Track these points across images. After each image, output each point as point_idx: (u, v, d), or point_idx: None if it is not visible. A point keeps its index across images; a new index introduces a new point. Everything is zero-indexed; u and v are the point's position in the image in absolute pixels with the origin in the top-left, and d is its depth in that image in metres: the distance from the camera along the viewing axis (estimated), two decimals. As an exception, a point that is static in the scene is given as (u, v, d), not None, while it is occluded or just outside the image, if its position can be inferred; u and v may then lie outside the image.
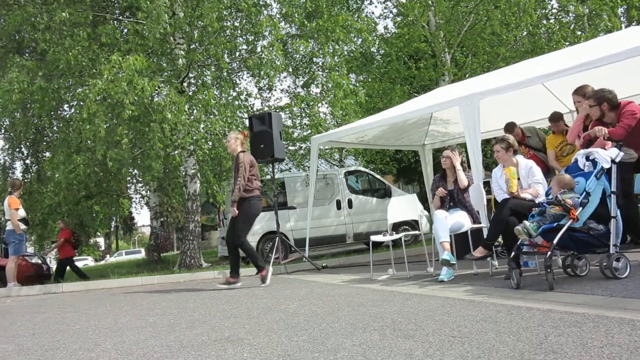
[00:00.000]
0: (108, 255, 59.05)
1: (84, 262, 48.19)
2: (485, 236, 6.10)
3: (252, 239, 12.06)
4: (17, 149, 16.17)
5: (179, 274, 10.40)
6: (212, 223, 30.53)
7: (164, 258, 20.53)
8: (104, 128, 10.19)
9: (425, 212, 12.67)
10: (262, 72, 11.43)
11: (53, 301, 7.94)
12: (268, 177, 12.50)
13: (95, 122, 9.99)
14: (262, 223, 12.26)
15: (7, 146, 16.19)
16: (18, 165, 16.28)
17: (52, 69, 11.49)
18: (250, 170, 7.25)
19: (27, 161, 16.43)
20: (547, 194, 5.14)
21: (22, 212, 9.99)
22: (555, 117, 7.79)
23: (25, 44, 13.56)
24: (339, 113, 12.21)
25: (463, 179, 6.55)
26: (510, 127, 8.13)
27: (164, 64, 12.23)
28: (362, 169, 14.84)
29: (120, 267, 18.76)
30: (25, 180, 15.65)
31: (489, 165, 17.24)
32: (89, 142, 11.36)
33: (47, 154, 15.54)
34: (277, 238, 9.48)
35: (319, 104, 12.90)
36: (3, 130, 16.10)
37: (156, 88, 10.96)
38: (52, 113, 13.29)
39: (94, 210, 16.54)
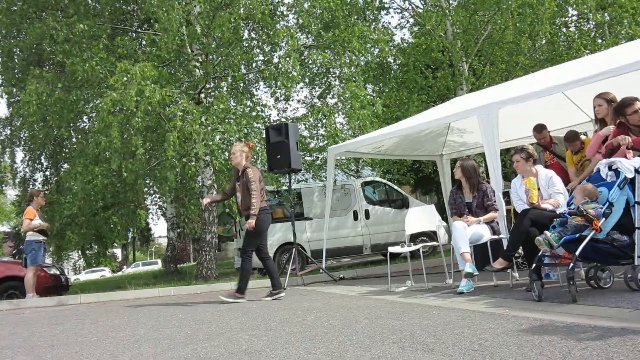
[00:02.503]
0: (125, 267, 59.44)
1: (101, 273, 48.65)
2: (505, 247, 6.04)
3: (269, 250, 12.06)
4: (37, 161, 16.37)
5: (195, 285, 10.45)
6: (228, 234, 30.58)
7: (181, 269, 20.56)
8: (119, 139, 10.26)
9: (444, 223, 12.60)
10: (278, 83, 11.48)
11: (71, 312, 7.94)
12: (285, 187, 12.52)
13: (110, 133, 10.08)
14: (279, 234, 12.26)
15: (27, 158, 16.41)
16: (38, 176, 16.43)
17: (70, 80, 11.63)
18: (260, 185, 7.26)
19: (47, 172, 16.61)
20: (568, 204, 5.07)
21: (36, 222, 10.01)
22: (571, 137, 7.56)
23: (45, 56, 13.74)
24: (356, 124, 12.21)
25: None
26: (539, 128, 8.00)
27: (181, 75, 12.33)
28: (379, 179, 14.82)
29: (137, 278, 18.85)
30: (46, 192, 15.81)
31: (508, 175, 17.12)
32: (106, 153, 11.47)
33: (66, 166, 15.71)
34: (294, 249, 9.50)
35: (336, 115, 12.95)
36: (23, 142, 16.33)
37: (171, 99, 11.04)
38: (71, 124, 13.44)
39: (111, 221, 16.65)
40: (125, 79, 9.87)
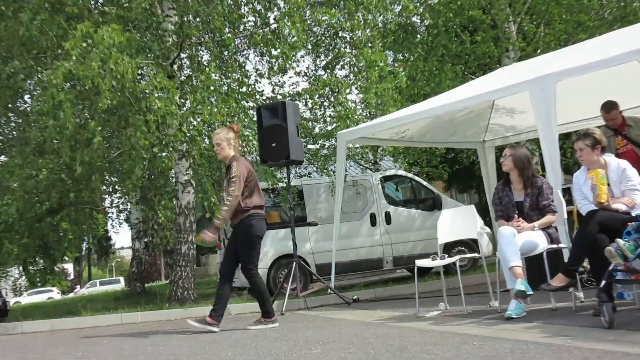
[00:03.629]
0: (78, 286, 59.57)
1: (49, 294, 48.76)
2: (566, 260, 6.03)
3: (262, 264, 12.05)
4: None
5: (168, 310, 10.45)
6: (209, 244, 30.61)
7: (150, 289, 20.54)
8: (73, 123, 10.24)
9: (487, 229, 12.57)
10: (275, 51, 11.44)
11: (10, 345, 7.94)
12: (282, 184, 12.52)
13: (60, 115, 10.04)
14: (275, 244, 12.26)
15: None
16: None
17: (5, 49, 11.61)
18: (247, 183, 7.23)
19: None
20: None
21: None
22: None
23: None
24: (374, 101, 12.16)
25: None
26: (608, 107, 7.97)
27: (150, 41, 12.31)
28: (404, 173, 14.80)
29: (94, 301, 18.82)
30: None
31: (569, 167, 17.07)
32: (53, 141, 11.45)
33: (2, 157, 15.74)
34: (294, 263, 9.47)
35: (347, 90, 12.84)
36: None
37: (142, 72, 11.01)
38: (9, 105, 13.45)
39: (60, 228, 16.66)
40: (84, 44, 9.82)
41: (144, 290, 19.03)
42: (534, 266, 6.63)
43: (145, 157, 10.67)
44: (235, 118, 11.45)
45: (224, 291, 7.44)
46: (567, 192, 7.65)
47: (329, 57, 14.14)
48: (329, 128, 13.23)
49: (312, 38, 13.90)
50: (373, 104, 12.39)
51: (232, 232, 7.58)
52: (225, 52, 12.46)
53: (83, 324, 9.87)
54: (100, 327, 9.50)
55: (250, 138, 11.44)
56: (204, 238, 7.25)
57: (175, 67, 12.01)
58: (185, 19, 12.04)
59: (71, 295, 49.04)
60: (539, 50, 15.30)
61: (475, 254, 9.26)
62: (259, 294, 7.43)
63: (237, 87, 12.13)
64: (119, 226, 35.61)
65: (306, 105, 13.33)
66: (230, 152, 7.37)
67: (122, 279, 52.48)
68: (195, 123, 11.24)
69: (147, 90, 10.43)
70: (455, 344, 4.71)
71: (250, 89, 12.70)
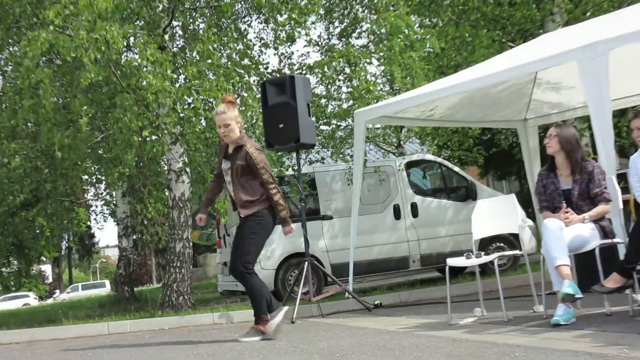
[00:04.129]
0: (58, 291, 59.98)
1: (24, 300, 49.09)
2: (622, 257, 6.04)
3: (269, 264, 12.14)
4: None
5: (161, 317, 10.43)
6: (208, 242, 30.61)
7: (140, 294, 20.65)
8: (52, 102, 10.23)
9: (529, 222, 12.52)
10: (280, 17, 11.40)
11: (-18, 358, 8.05)
12: (291, 172, 12.53)
13: (39, 93, 10.05)
14: (283, 241, 12.23)
15: None
16: None
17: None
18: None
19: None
20: None
21: None
22: None
23: None
24: (400, 74, 12.08)
25: None
26: None
27: (137, 7, 12.28)
28: (432, 157, 14.82)
29: (76, 307, 18.93)
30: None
31: (624, 149, 16.98)
32: (28, 124, 11.46)
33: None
34: (306, 263, 9.44)
35: (367, 61, 12.83)
36: None
37: (125, 42, 10.97)
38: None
39: (36, 224, 16.71)
40: (67, 12, 9.79)
41: (133, 295, 19.15)
42: (585, 264, 6.58)
43: (135, 142, 10.68)
44: (236, 95, 11.43)
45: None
46: (622, 178, 7.65)
47: (344, 24, 14.11)
48: (345, 106, 13.20)
49: (324, 1, 13.84)
50: (399, 78, 12.29)
51: (241, 225, 7.43)
52: (223, 20, 12.43)
53: (64, 334, 9.84)
54: (84, 338, 9.47)
55: (255, 119, 11.44)
56: (287, 229, 7.27)
57: (166, 37, 12.02)
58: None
59: (50, 301, 49.37)
60: (588, 13, 15.20)
61: (516, 251, 9.23)
62: (254, 292, 7.20)
63: (239, 59, 12.10)
64: (104, 221, 35.47)
65: (322, 77, 13.28)
66: (238, 132, 7.26)
67: (107, 282, 52.83)
68: (190, 101, 11.22)
69: (136, 64, 10.42)
70: (495, 356, 4.70)
71: (254, 61, 12.66)
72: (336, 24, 14.37)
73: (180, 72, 11.43)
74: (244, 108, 10.91)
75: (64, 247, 48.75)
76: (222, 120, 7.15)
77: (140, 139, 10.82)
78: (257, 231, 7.20)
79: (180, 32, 12.75)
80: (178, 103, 10.89)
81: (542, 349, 4.80)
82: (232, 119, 7.15)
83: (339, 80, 13.14)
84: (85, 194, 19.69)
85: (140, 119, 10.49)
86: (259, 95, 10.67)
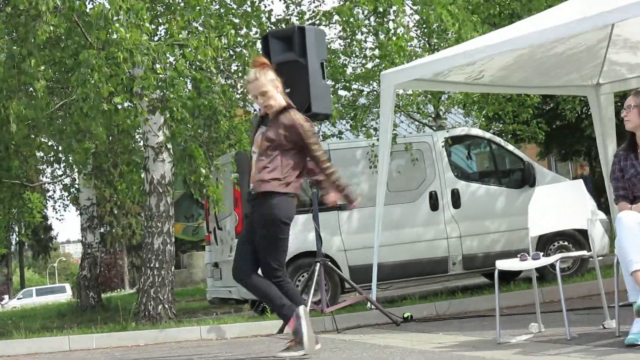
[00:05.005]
0: (7, 297, 60.64)
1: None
2: None
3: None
4: None
5: (136, 330, 10.41)
6: (194, 237, 30.76)
7: (108, 301, 20.75)
8: (2, 61, 10.24)
9: (601, 215, 12.46)
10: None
11: None
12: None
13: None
14: (291, 237, 12.22)
15: None
16: None
17: None
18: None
19: None
20: None
21: None
22: None
23: None
24: (434, 26, 12.00)
25: None
26: None
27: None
28: (479, 132, 14.59)
29: (29, 317, 19.05)
30: None
31: None
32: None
33: None
34: (318, 265, 9.34)
35: (394, 10, 12.57)
36: None
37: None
38: None
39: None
40: None
41: (100, 303, 19.22)
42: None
43: (105, 110, 10.64)
44: (230, 51, 11.38)
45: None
46: None
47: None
48: (370, 66, 13.16)
49: None
50: (441, 30, 12.15)
51: (253, 214, 7.33)
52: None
53: (15, 350, 9.79)
54: (40, 355, 9.49)
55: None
56: (328, 199, 7.30)
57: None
58: None
59: (-3, 309, 49.90)
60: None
61: (584, 252, 9.15)
62: (267, 296, 7.39)
63: (235, 5, 12.05)
64: (64, 210, 35.59)
65: (344, 27, 13.09)
66: (281, 98, 7.22)
67: (68, 286, 53.38)
68: (172, 60, 11.17)
69: (105, 12, 10.37)
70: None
71: (255, 7, 12.61)
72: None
73: (160, 22, 11.39)
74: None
75: (13, 242, 49.04)
76: (256, 89, 7.18)
77: (110, 106, 10.79)
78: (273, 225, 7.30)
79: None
80: (158, 62, 10.85)
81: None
82: (268, 83, 7.17)
83: (363, 32, 13.10)
84: (40, 176, 19.80)
85: (110, 81, 10.44)
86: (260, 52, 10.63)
